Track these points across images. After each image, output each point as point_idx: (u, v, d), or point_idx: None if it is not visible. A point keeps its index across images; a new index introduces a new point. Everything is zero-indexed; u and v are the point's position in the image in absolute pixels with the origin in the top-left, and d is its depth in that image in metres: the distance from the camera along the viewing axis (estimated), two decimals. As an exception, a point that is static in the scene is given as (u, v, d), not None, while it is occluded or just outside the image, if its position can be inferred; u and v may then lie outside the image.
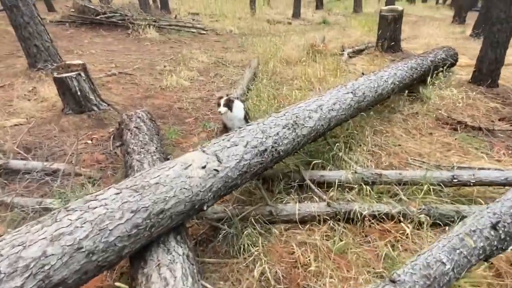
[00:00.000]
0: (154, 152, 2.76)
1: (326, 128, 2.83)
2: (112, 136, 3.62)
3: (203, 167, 1.97)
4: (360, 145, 3.34)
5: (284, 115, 2.59)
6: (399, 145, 3.50)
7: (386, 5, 14.49)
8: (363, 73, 3.92)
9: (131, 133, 3.12)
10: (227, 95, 3.55)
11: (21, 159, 3.13)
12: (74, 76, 3.78)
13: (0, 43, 7.72)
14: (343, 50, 7.21)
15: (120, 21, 9.54)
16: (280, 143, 2.38)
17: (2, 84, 5.11)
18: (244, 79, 5.17)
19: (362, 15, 15.48)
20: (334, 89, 3.23)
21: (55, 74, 3.77)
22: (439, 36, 9.46)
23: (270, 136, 2.34)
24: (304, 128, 2.59)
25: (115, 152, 3.38)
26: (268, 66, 5.96)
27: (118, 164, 3.21)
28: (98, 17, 9.53)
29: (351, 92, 3.22)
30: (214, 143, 2.19)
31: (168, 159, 2.88)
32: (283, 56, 6.51)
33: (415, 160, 3.18)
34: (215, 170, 1.99)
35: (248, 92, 4.82)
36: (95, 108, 4.04)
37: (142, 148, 2.80)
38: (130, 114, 3.53)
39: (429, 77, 4.70)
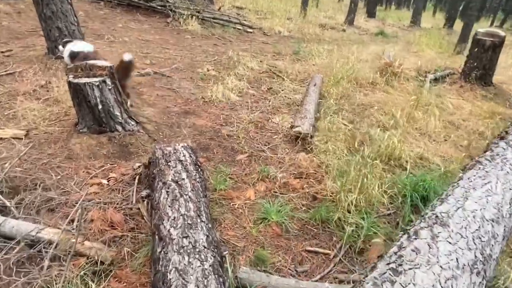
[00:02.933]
0: (205, 247, 1.64)
1: None
2: (137, 178, 2.53)
3: None
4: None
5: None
6: None
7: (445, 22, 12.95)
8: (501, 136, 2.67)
9: (167, 193, 2.02)
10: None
11: None
12: (97, 83, 2.71)
13: (25, 16, 6.82)
14: (425, 76, 5.91)
15: (159, 7, 8.51)
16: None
17: (12, 71, 4.13)
18: (310, 102, 3.99)
19: (422, 30, 13.94)
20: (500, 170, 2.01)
21: (71, 78, 2.71)
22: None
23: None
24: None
25: (138, 209, 2.29)
26: (337, 87, 4.75)
27: (141, 232, 2.12)
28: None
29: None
30: None
31: (223, 258, 1.77)
32: (351, 74, 5.28)
33: None
34: None
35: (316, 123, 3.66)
36: (119, 128, 2.96)
37: (185, 235, 1.68)
38: (167, 150, 2.43)
39: None
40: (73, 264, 1.80)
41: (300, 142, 3.33)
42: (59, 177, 2.48)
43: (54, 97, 3.55)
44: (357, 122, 3.91)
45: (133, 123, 3.06)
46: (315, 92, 4.37)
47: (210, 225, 1.85)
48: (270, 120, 3.89)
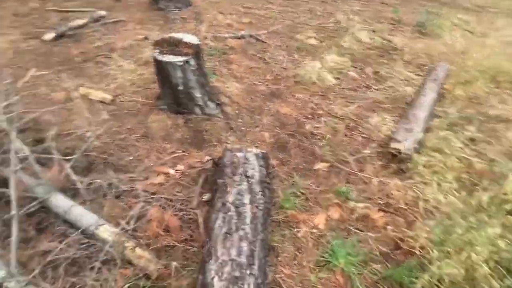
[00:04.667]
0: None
1: None
2: (204, 176, 2.37)
3: None
4: None
5: None
6: None
7: None
8: None
9: (223, 220, 1.80)
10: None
11: (71, 187, 2.13)
12: (180, 63, 2.49)
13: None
14: None
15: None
16: None
17: (117, 19, 4.21)
18: (422, 106, 3.22)
19: None
20: None
21: (156, 53, 2.54)
22: None
23: None
24: None
25: (196, 214, 2.15)
26: (466, 87, 3.74)
27: (193, 245, 1.99)
28: None
29: None
30: None
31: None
32: (490, 67, 4.08)
33: None
34: None
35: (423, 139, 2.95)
36: (197, 110, 2.78)
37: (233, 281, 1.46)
38: (237, 157, 2.17)
39: None
40: (120, 272, 1.78)
41: (396, 162, 2.73)
42: (131, 158, 2.46)
43: (146, 58, 3.51)
44: (482, 143, 3.04)
45: (212, 105, 2.85)
46: (434, 91, 3.50)
47: (260, 280, 1.59)
48: (366, 120, 3.27)
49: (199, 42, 2.59)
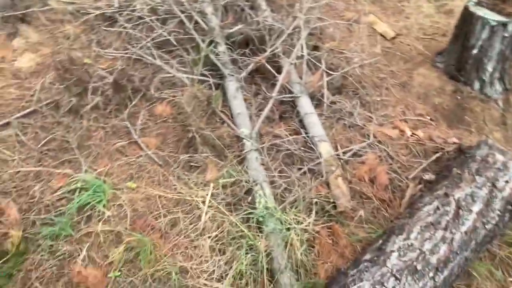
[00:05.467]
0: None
1: None
2: (439, 157, 2.06)
3: None
4: None
5: None
6: None
7: None
8: None
9: (435, 210, 1.57)
10: None
11: (319, 98, 2.33)
12: (495, 23, 2.01)
13: None
14: None
15: None
16: None
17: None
18: None
19: None
20: None
21: (472, 4, 2.12)
22: None
23: None
24: None
25: (408, 185, 1.96)
26: None
27: (388, 210, 1.89)
28: None
29: None
30: None
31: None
32: None
33: None
34: None
35: None
36: (476, 85, 2.30)
37: None
38: (493, 158, 1.74)
39: None
40: (317, 187, 1.94)
41: None
42: (379, 99, 2.40)
43: (453, 5, 3.03)
44: None
45: (498, 88, 2.27)
46: None
47: (437, 291, 1.37)
48: None
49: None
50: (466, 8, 2.14)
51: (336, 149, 2.09)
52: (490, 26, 2.02)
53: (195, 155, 2.04)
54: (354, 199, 1.93)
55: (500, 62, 2.17)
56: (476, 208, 1.56)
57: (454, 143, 2.12)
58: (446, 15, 2.96)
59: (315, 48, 2.61)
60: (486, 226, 1.54)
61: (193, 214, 1.86)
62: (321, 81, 2.31)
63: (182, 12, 2.65)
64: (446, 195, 1.62)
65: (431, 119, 2.29)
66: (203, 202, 1.87)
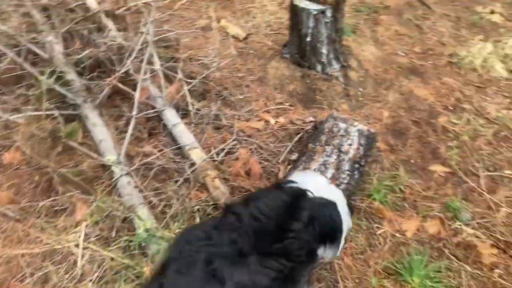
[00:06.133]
0: None
1: None
2: (300, 135, 2.29)
3: None
4: None
5: None
6: None
7: None
8: None
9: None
10: None
11: (184, 108, 2.35)
12: (315, 12, 2.31)
13: None
14: None
15: None
16: None
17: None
18: None
19: None
20: None
21: (295, -3, 2.40)
22: None
23: None
24: None
25: (279, 169, 2.13)
26: None
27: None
28: None
29: None
30: None
31: None
32: None
33: None
34: None
35: None
36: (318, 67, 2.60)
37: None
38: (338, 127, 1.99)
39: None
40: (195, 194, 1.95)
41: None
42: (241, 97, 2.54)
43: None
44: None
45: (336, 66, 2.62)
46: None
47: None
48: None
49: (344, -7, 2.32)
50: (292, 2, 2.41)
51: (209, 152, 2.13)
52: (313, 15, 2.32)
53: (57, 197, 1.85)
54: (234, 195, 1.99)
55: (330, 44, 2.51)
56: (329, 174, 1.77)
57: (311, 121, 2.37)
58: (287, 11, 3.29)
59: (173, 58, 2.63)
60: (340, 187, 1.75)
61: (67, 262, 1.69)
62: (180, 90, 2.33)
63: (16, 46, 2.40)
64: (304, 169, 1.79)
65: (289, 105, 2.51)
66: (77, 245, 1.72)
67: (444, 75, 2.91)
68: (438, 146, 2.38)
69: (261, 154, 2.19)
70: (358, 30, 3.22)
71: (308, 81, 2.60)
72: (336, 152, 1.86)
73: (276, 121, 2.39)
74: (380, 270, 1.80)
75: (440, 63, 3.02)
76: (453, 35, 3.34)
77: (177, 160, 2.08)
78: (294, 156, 2.16)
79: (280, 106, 2.50)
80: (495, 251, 1.90)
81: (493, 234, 1.95)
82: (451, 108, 2.65)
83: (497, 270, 1.81)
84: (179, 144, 2.12)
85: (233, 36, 2.99)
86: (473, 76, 2.92)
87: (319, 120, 2.35)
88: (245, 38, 2.99)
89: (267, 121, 2.40)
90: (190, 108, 2.33)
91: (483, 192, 2.14)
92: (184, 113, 2.35)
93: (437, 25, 3.44)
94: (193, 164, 2.02)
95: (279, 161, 2.17)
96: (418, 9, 3.64)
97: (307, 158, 1.87)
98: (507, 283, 1.75)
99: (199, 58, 2.67)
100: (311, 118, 2.39)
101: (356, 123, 2.04)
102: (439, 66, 2.99)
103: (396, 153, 2.33)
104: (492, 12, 3.66)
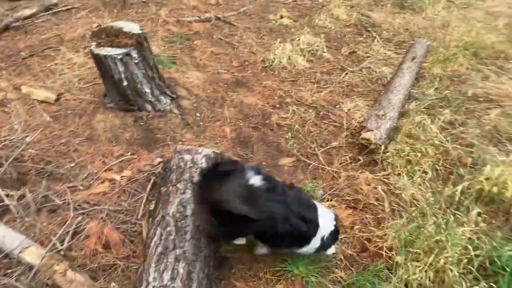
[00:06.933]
0: None
1: None
2: (152, 181, 2.15)
3: None
4: None
5: None
6: None
7: None
8: None
9: (160, 237, 1.59)
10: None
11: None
12: (120, 57, 2.22)
13: None
14: None
15: None
16: None
17: (70, 7, 3.86)
18: (398, 89, 2.99)
19: None
20: None
21: (93, 46, 2.26)
22: None
23: None
24: None
25: (141, 226, 1.94)
26: (445, 65, 3.48)
27: (136, 262, 1.79)
28: None
29: None
30: None
31: None
32: (472, 43, 3.81)
33: None
34: None
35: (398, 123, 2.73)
36: (148, 107, 2.53)
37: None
38: (184, 160, 1.95)
39: None
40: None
41: (367, 153, 2.52)
42: (72, 164, 2.23)
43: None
44: (461, 126, 2.81)
45: (166, 101, 2.60)
46: (411, 71, 3.26)
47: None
48: (338, 106, 3.04)
49: (141, 31, 2.30)
50: (92, 52, 2.26)
51: (51, 243, 1.77)
52: (119, 60, 2.22)
53: None
54: (99, 279, 1.71)
55: (151, 81, 2.47)
56: (189, 211, 1.70)
57: (160, 162, 2.26)
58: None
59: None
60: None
61: None
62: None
63: None
64: (163, 217, 1.68)
65: (131, 154, 2.35)
66: None
67: (263, 79, 3.26)
68: (279, 141, 2.64)
69: (116, 218, 1.96)
70: (177, 59, 3.29)
71: (143, 123, 2.49)
72: (190, 186, 1.81)
73: (122, 176, 2.19)
74: (271, 277, 1.84)
75: (257, 70, 3.37)
76: (259, 44, 3.79)
77: (10, 271, 1.65)
78: (154, 205, 2.01)
79: (122, 159, 2.30)
80: (350, 211, 2.21)
81: (343, 198, 2.27)
82: (278, 105, 2.98)
83: (356, 227, 2.11)
84: (4, 251, 1.69)
85: (42, 101, 2.61)
86: (285, 74, 3.37)
87: (167, 158, 2.27)
88: (57, 99, 2.65)
89: (111, 180, 2.17)
90: (7, 201, 1.90)
91: (325, 167, 2.47)
92: (3, 210, 1.90)
93: (244, 38, 3.84)
94: (31, 268, 1.64)
95: (138, 217, 1.98)
96: (224, 28, 3.99)
97: (163, 203, 1.76)
98: (364, 234, 2.05)
99: (2, 139, 2.21)
100: (158, 159, 2.28)
101: (200, 150, 2.04)
102: (257, 73, 3.34)
103: (248, 161, 2.45)
104: (282, 17, 4.33)
